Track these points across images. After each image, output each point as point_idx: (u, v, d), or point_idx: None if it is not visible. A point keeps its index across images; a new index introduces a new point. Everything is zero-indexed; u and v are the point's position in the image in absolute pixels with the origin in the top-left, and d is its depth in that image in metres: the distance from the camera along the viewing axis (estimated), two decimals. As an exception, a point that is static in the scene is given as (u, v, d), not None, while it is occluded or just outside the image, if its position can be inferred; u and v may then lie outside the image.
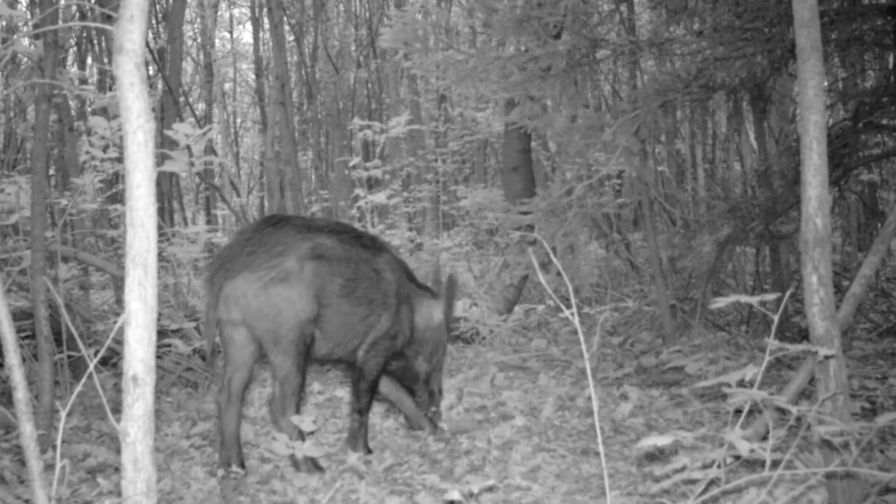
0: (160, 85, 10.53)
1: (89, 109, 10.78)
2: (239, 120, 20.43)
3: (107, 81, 11.16)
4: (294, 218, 3.26)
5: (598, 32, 4.70)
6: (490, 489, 2.83)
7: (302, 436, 3.04)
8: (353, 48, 15.56)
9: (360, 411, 3.33)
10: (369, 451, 3.32)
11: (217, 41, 18.58)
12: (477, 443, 3.39)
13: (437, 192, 10.64)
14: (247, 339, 3.04)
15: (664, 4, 4.60)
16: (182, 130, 4.40)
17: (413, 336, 3.44)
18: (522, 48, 4.38)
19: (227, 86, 19.50)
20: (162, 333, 3.50)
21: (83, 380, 2.16)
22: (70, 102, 9.69)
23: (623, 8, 7.08)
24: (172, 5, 10.50)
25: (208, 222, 13.30)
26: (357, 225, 6.47)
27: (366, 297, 3.19)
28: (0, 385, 4.02)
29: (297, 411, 3.06)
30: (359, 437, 3.33)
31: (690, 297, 5.26)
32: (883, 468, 2.73)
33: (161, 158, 3.80)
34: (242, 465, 3.10)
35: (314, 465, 3.10)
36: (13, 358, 1.92)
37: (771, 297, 2.15)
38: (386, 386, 3.57)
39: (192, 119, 14.00)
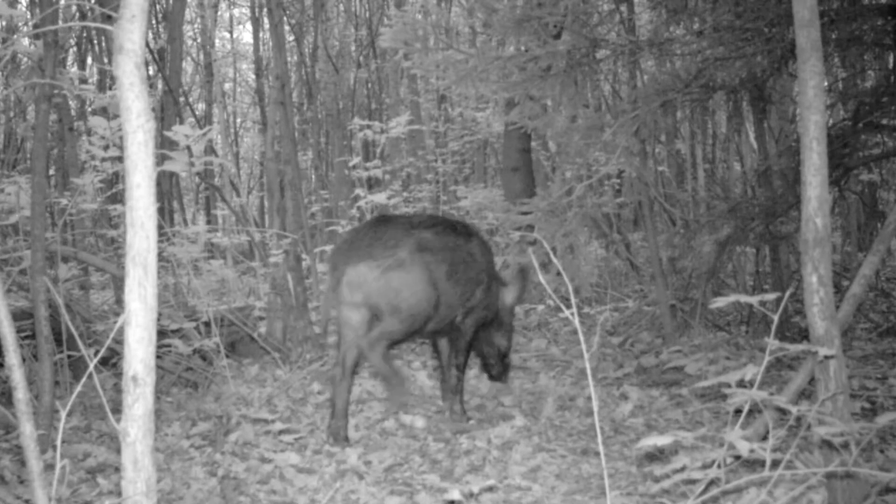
0: (160, 85, 10.54)
1: (89, 109, 10.79)
2: (239, 120, 20.43)
3: (107, 81, 11.16)
4: (398, 217, 3.78)
5: (598, 32, 4.69)
6: (490, 489, 2.83)
7: (392, 365, 3.50)
8: (353, 48, 15.56)
9: (458, 367, 3.82)
10: (464, 412, 3.78)
11: (217, 41, 18.58)
12: (477, 443, 3.39)
13: (437, 192, 10.64)
14: (362, 321, 3.48)
15: (664, 4, 4.60)
16: (182, 131, 4.40)
17: (497, 312, 3.95)
18: (522, 48, 4.38)
19: (227, 86, 19.50)
20: (162, 333, 3.50)
21: (83, 380, 2.16)
22: (70, 102, 9.69)
23: (623, 8, 7.07)
24: (172, 5, 10.50)
25: (208, 222, 13.31)
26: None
27: (464, 277, 3.66)
28: (0, 385, 4.01)
29: (379, 358, 3.45)
30: (457, 392, 3.81)
31: (690, 297, 5.26)
32: (883, 468, 2.73)
33: (161, 158, 3.80)
34: (347, 439, 3.45)
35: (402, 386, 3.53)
36: (13, 358, 1.92)
37: (771, 297, 2.15)
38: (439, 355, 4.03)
39: (192, 119, 13.99)
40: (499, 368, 4.06)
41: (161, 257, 4.75)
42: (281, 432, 3.57)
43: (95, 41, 11.41)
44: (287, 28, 13.92)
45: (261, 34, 15.00)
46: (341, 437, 3.46)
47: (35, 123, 3.43)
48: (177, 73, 10.04)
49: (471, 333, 3.81)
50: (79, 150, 7.93)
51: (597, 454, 3.16)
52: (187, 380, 4.46)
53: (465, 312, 3.74)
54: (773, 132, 6.04)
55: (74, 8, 8.41)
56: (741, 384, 2.05)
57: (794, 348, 2.10)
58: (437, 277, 3.51)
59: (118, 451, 1.97)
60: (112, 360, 4.25)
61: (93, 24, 2.28)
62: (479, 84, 4.38)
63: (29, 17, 10.11)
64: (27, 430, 1.90)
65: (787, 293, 2.69)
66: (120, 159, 4.88)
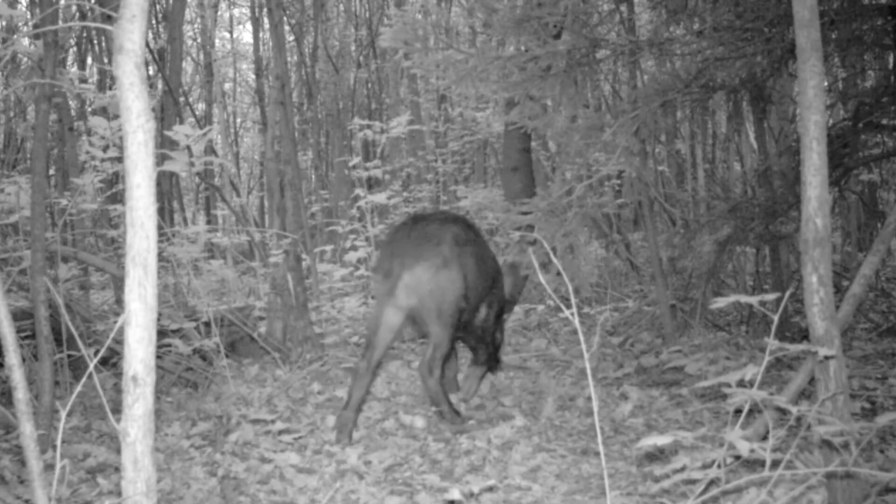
0: (160, 85, 10.54)
1: (89, 109, 10.79)
2: (239, 120, 20.43)
3: (107, 81, 11.17)
4: (430, 214, 3.89)
5: (598, 32, 4.69)
6: (490, 489, 2.83)
7: (446, 393, 3.64)
8: (353, 48, 15.56)
9: (491, 360, 4.08)
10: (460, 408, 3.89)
11: (217, 41, 18.59)
12: (477, 443, 3.39)
13: (437, 192, 10.64)
14: (399, 324, 3.58)
15: (664, 4, 4.60)
16: (182, 131, 4.40)
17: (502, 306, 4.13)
18: (522, 48, 4.38)
19: (227, 86, 19.51)
20: (162, 333, 3.50)
21: (83, 380, 2.16)
22: (70, 102, 9.69)
23: (623, 8, 7.08)
24: (172, 5, 10.50)
25: (208, 222, 13.31)
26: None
27: (487, 271, 3.81)
28: (0, 385, 4.01)
29: (442, 374, 3.63)
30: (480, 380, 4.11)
31: (690, 297, 5.26)
32: (883, 468, 2.73)
33: (161, 158, 3.81)
34: (351, 435, 3.47)
35: (458, 417, 3.62)
36: (13, 358, 1.92)
37: (771, 297, 2.15)
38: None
39: (192, 119, 13.99)
40: (492, 362, 4.13)
41: (161, 257, 4.76)
42: (281, 432, 3.57)
43: (95, 41, 11.41)
44: (287, 28, 13.91)
45: (261, 34, 15.00)
46: (348, 429, 3.46)
47: (35, 123, 3.43)
48: (177, 73, 10.04)
49: (492, 326, 3.98)
50: (79, 150, 7.93)
51: (597, 454, 3.16)
52: (187, 380, 4.46)
53: (488, 305, 3.90)
54: (773, 132, 6.04)
55: (74, 8, 8.41)
56: (741, 384, 2.05)
57: (794, 348, 2.10)
58: (468, 272, 3.62)
59: (118, 451, 1.97)
60: (112, 360, 4.25)
61: (93, 24, 2.28)
62: (479, 84, 4.38)
63: (29, 17, 10.11)
64: (27, 430, 1.90)
65: (787, 293, 2.69)
66: (120, 159, 4.88)
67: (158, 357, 3.68)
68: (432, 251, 3.50)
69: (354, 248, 6.52)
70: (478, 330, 3.93)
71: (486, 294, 3.83)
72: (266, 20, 11.82)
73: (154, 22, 13.84)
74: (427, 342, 3.64)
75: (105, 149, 4.92)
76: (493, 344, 4.09)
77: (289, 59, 15.08)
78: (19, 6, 11.87)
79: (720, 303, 2.18)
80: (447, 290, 3.50)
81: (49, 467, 2.63)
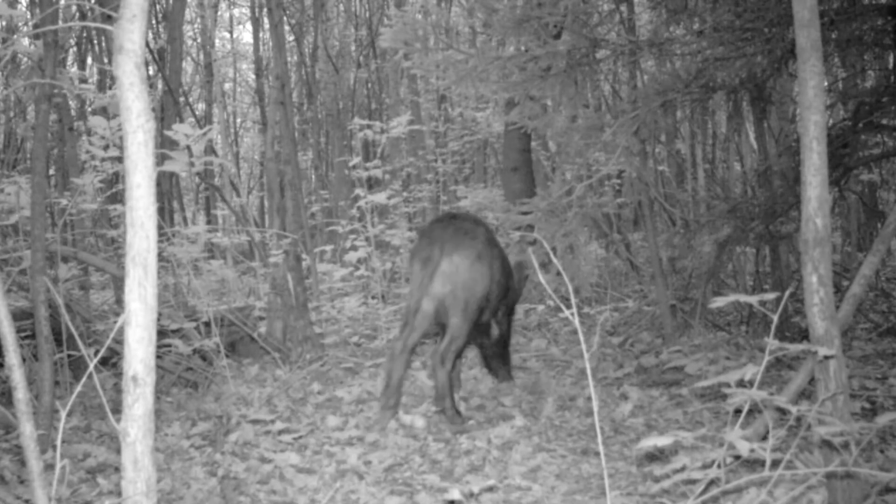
0: (160, 85, 10.54)
1: (89, 109, 10.79)
2: (239, 120, 20.43)
3: (107, 81, 11.17)
4: (464, 213, 4.12)
5: (598, 32, 4.69)
6: (490, 489, 2.83)
7: (454, 387, 3.77)
8: (353, 48, 15.56)
9: (505, 358, 4.30)
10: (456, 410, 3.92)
11: (217, 41, 18.58)
12: (477, 443, 3.38)
13: (437, 192, 10.64)
14: (434, 311, 3.68)
15: (664, 4, 4.60)
16: (182, 131, 4.40)
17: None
18: (522, 48, 4.38)
19: (227, 86, 19.51)
20: (162, 333, 3.50)
21: (83, 380, 2.16)
22: (70, 102, 9.69)
23: (623, 8, 7.07)
24: (172, 5, 10.50)
25: (208, 222, 13.31)
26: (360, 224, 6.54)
27: (508, 272, 3.98)
28: (0, 385, 4.01)
29: (452, 367, 3.70)
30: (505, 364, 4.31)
31: (690, 297, 5.26)
32: (883, 468, 2.73)
33: (161, 158, 3.80)
34: (396, 410, 3.63)
35: (458, 416, 3.66)
36: (13, 358, 1.92)
37: (771, 297, 2.15)
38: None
39: (192, 119, 13.99)
40: (504, 357, 4.31)
41: (161, 257, 4.76)
42: (281, 432, 3.57)
43: (95, 41, 11.41)
44: (287, 28, 13.92)
45: (261, 34, 15.00)
46: (390, 406, 3.59)
47: (35, 123, 3.42)
48: (177, 73, 10.04)
49: (507, 323, 4.17)
50: (79, 150, 7.93)
51: (597, 454, 3.16)
52: (187, 380, 4.46)
53: (508, 303, 4.07)
54: (773, 132, 6.04)
55: (74, 8, 8.41)
56: (741, 384, 2.05)
57: (794, 348, 2.10)
58: (494, 272, 3.78)
59: (118, 451, 1.97)
60: (112, 360, 4.25)
61: (93, 24, 2.28)
62: (479, 84, 4.38)
63: (29, 17, 10.11)
64: (27, 430, 1.90)
65: (787, 293, 2.69)
66: (120, 159, 4.88)
67: (158, 357, 3.68)
68: (469, 244, 3.68)
69: (354, 248, 6.51)
70: (489, 328, 4.09)
71: (503, 295, 3.98)
72: (266, 20, 11.82)
73: (154, 22, 13.84)
74: (444, 334, 3.75)
75: (105, 149, 4.91)
76: (504, 341, 4.24)
77: (289, 59, 15.08)
78: (19, 6, 11.87)
79: (720, 303, 2.18)
80: (478, 283, 3.66)
81: (49, 467, 2.63)
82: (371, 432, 3.51)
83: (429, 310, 3.69)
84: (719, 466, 1.97)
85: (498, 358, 4.28)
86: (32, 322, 3.57)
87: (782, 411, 2.43)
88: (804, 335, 4.29)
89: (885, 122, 4.38)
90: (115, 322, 3.93)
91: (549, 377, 4.44)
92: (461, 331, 3.65)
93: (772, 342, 2.00)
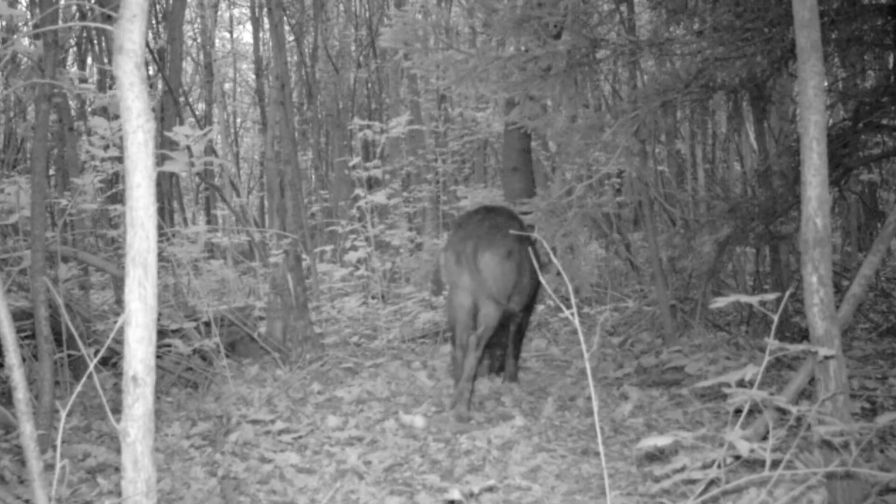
0: (160, 85, 10.54)
1: (89, 109, 10.79)
2: (239, 120, 20.43)
3: (107, 81, 11.16)
4: (499, 207, 4.29)
5: (598, 32, 4.69)
6: (490, 489, 2.83)
7: (475, 378, 3.88)
8: (353, 48, 15.55)
9: (515, 355, 4.43)
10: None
11: (217, 41, 18.58)
12: (477, 443, 3.39)
13: (437, 192, 10.64)
14: (472, 305, 3.87)
15: (664, 4, 4.60)
16: (182, 131, 4.40)
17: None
18: (522, 48, 4.38)
19: (227, 86, 19.51)
20: (162, 333, 3.50)
21: (83, 380, 2.16)
22: (70, 102, 9.69)
23: (623, 8, 7.07)
24: (172, 5, 10.50)
25: (208, 222, 13.32)
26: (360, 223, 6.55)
27: (532, 271, 4.06)
28: (0, 385, 4.01)
29: (482, 359, 3.94)
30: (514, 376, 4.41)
31: (690, 297, 5.26)
32: (883, 468, 2.73)
33: (161, 158, 3.80)
34: (468, 407, 3.77)
35: (467, 411, 3.77)
36: (13, 358, 1.92)
37: (771, 297, 2.15)
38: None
39: (192, 119, 14.00)
40: (516, 352, 4.42)
41: (161, 257, 4.75)
42: (281, 432, 3.57)
43: (95, 41, 11.41)
44: (287, 28, 13.92)
45: (261, 34, 15.00)
46: (466, 398, 3.75)
47: (35, 123, 3.42)
48: (177, 73, 10.04)
49: (524, 318, 4.35)
50: (79, 150, 7.93)
51: (597, 454, 3.16)
52: (187, 380, 4.46)
53: (528, 299, 4.19)
54: (773, 132, 6.04)
55: (74, 8, 8.41)
56: (741, 384, 2.05)
57: (794, 348, 2.10)
58: (522, 269, 3.96)
59: (118, 451, 1.97)
60: (112, 360, 4.25)
61: (93, 24, 2.28)
62: (479, 84, 4.38)
63: (29, 17, 10.11)
64: (27, 430, 1.90)
65: (787, 293, 2.69)
66: (120, 159, 4.88)
67: (158, 357, 3.68)
68: (502, 241, 3.84)
69: (354, 248, 6.51)
70: (520, 321, 4.31)
71: (531, 288, 4.16)
72: (266, 20, 11.82)
73: (154, 22, 13.84)
74: (477, 323, 3.94)
75: (105, 149, 4.91)
76: (519, 336, 4.40)
77: (289, 59, 15.09)
78: (19, 6, 11.87)
79: (720, 303, 2.18)
80: (509, 277, 3.86)
81: (49, 467, 2.63)
82: (451, 426, 3.63)
83: (467, 304, 3.88)
84: (719, 466, 1.97)
85: (511, 357, 4.38)
86: (32, 322, 3.57)
87: (782, 411, 2.43)
88: (804, 335, 4.29)
89: (885, 122, 4.38)
90: (115, 322, 3.93)
91: (549, 377, 4.44)
92: (493, 320, 3.84)
93: (772, 342, 2.00)
